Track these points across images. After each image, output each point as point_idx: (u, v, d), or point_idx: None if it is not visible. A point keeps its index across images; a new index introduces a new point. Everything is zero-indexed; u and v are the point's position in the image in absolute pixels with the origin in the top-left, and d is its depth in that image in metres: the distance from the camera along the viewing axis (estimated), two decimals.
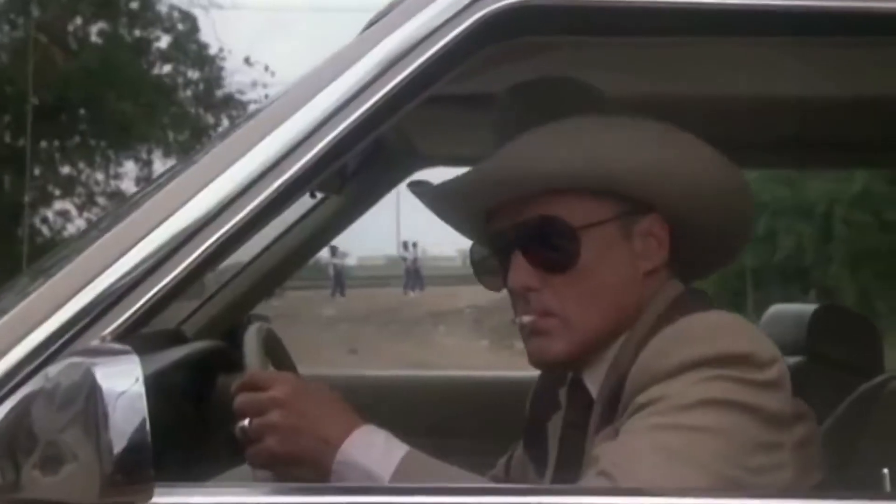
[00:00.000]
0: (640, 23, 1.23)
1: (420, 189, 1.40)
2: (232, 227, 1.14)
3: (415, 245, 26.26)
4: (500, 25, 1.18)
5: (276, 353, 1.52)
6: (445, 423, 2.42)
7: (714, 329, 1.22)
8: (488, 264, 1.41)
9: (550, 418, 1.43)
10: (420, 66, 1.17)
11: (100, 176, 16.13)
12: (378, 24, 1.22)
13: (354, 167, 2.30)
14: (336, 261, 25.28)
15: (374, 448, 1.19)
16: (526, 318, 1.31)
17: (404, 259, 26.27)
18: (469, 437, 2.29)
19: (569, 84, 1.38)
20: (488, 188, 1.32)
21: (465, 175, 1.33)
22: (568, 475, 1.28)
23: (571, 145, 1.27)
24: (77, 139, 15.71)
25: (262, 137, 1.16)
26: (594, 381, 1.33)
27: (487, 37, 1.19)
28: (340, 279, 24.96)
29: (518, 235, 1.32)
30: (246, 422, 1.22)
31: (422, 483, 1.14)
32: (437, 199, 1.40)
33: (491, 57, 1.23)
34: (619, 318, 1.31)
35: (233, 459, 1.51)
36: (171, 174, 1.34)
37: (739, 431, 1.16)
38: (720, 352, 1.18)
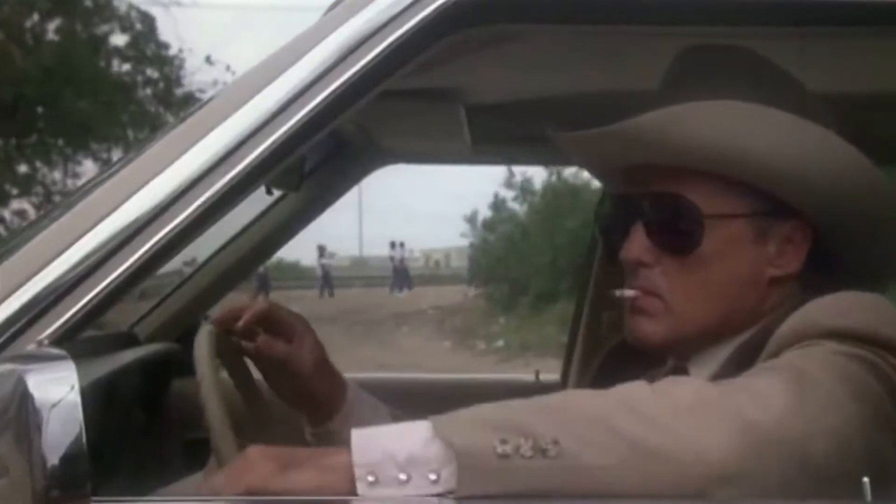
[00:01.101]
0: (608, 11, 1.18)
1: (558, 135, 1.33)
2: (181, 223, 1.08)
3: (402, 244, 26.24)
4: (462, 14, 1.13)
5: (228, 355, 1.46)
6: None
7: (870, 307, 1.17)
8: (614, 223, 1.33)
9: None
10: (378, 55, 1.12)
11: (57, 175, 15.96)
12: (335, 10, 1.17)
13: (313, 164, 2.25)
14: (325, 261, 25.26)
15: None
16: (628, 293, 1.27)
17: (392, 258, 26.31)
18: None
19: (745, 55, 1.30)
20: (625, 147, 1.26)
21: (608, 129, 1.26)
22: None
23: (729, 128, 1.21)
24: (34, 137, 15.52)
25: (213, 128, 1.11)
26: (701, 376, 1.25)
27: (448, 25, 1.14)
28: (328, 279, 24.94)
29: (644, 207, 1.26)
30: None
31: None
32: (576, 147, 1.33)
33: (452, 48, 1.17)
34: (729, 319, 1.25)
35: (186, 468, 1.45)
36: (118, 165, 1.28)
37: (873, 399, 1.10)
38: (877, 332, 1.13)
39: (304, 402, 1.46)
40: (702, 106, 1.22)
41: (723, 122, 1.21)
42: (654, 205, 1.26)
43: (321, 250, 25.24)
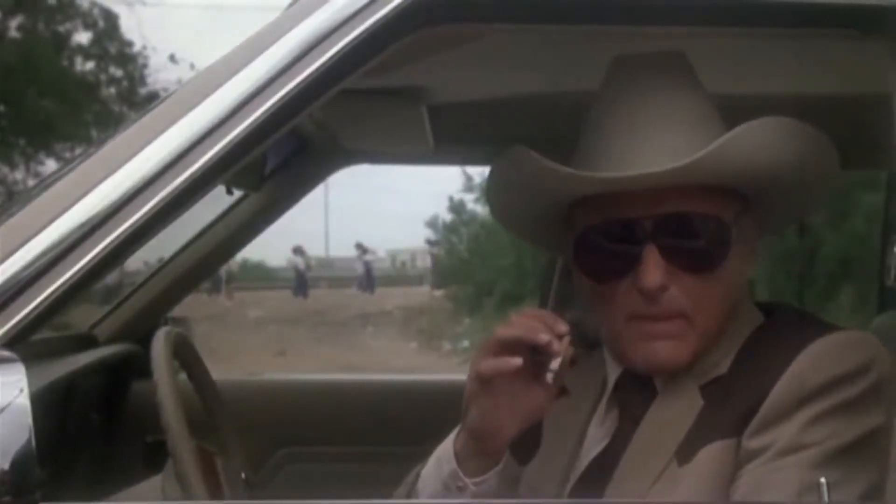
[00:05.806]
0: (569, 11, 1.17)
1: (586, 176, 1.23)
2: (137, 221, 1.07)
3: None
4: (422, 12, 1.12)
5: (186, 358, 1.44)
6: (374, 427, 2.36)
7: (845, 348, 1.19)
8: (607, 251, 1.25)
9: (571, 396, 1.29)
10: (338, 52, 1.11)
11: (19, 175, 15.79)
12: (295, 7, 1.16)
13: (275, 164, 2.23)
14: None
15: None
16: (658, 325, 1.22)
17: (433, 255, 26.19)
18: (399, 442, 2.23)
19: (681, 60, 1.28)
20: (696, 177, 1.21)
21: (686, 163, 1.18)
22: (612, 461, 1.24)
23: (781, 144, 1.20)
24: None
25: (170, 125, 1.09)
26: (663, 376, 1.25)
27: (408, 24, 1.12)
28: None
29: (656, 230, 1.21)
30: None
31: None
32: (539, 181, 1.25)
33: (414, 48, 1.16)
34: (725, 325, 1.25)
35: (145, 471, 1.43)
36: (74, 162, 1.26)
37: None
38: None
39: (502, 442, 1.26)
40: (756, 126, 1.20)
41: (777, 138, 1.21)
42: (671, 225, 1.22)
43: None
